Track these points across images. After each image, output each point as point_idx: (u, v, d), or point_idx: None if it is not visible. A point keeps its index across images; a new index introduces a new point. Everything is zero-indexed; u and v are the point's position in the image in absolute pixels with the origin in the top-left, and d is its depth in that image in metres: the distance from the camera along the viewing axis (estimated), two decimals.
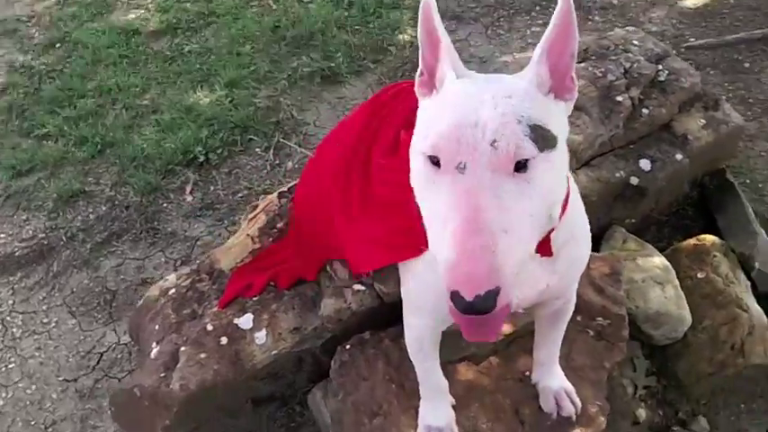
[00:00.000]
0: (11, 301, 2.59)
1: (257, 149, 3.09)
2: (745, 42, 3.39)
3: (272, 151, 3.06)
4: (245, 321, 2.04)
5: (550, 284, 1.40)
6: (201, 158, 3.00)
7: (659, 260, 2.31)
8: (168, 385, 1.96)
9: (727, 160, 2.68)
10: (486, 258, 0.95)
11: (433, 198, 1.05)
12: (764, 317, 2.29)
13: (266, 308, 2.06)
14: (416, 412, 1.83)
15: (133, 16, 3.86)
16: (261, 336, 2.01)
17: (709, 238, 2.43)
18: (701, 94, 2.58)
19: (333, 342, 2.05)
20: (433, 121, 1.07)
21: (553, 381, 1.84)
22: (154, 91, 3.36)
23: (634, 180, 2.36)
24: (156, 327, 2.12)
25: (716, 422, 2.21)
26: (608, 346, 2.02)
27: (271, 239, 2.19)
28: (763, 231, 2.45)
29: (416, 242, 1.32)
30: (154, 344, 2.09)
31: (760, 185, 2.75)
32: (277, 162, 3.02)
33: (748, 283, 2.38)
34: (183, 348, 2.02)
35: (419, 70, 1.17)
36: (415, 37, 3.49)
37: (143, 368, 2.07)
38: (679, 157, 2.44)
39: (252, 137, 3.12)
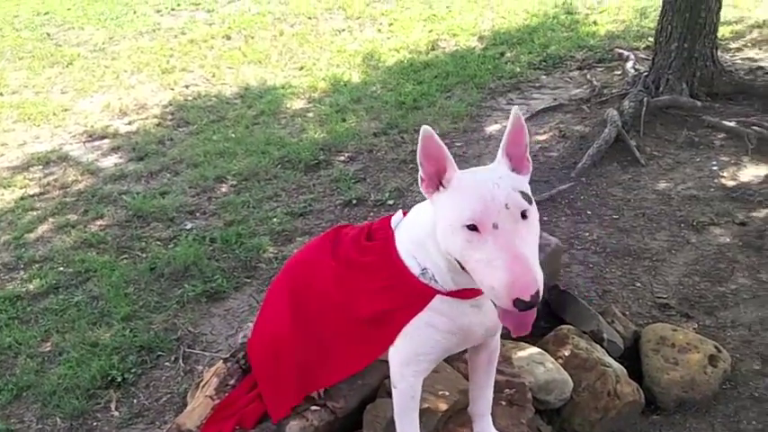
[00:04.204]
0: None
1: (167, 363, 3.44)
2: (538, 203, 4.39)
3: (180, 361, 3.43)
4: None
5: None
6: (119, 379, 3.31)
7: (533, 348, 2.91)
8: None
9: (556, 278, 3.47)
10: (531, 272, 1.55)
11: (478, 252, 1.60)
12: (624, 369, 2.95)
13: None
14: None
15: (11, 286, 4.13)
16: None
17: (565, 327, 3.10)
18: None
19: None
20: (462, 206, 1.64)
21: (491, 431, 2.33)
22: (54, 339, 3.63)
23: None
24: None
25: None
26: (519, 408, 2.54)
27: (227, 395, 2.58)
28: (600, 316, 3.19)
29: (414, 299, 1.92)
30: None
31: (585, 294, 3.56)
32: (188, 369, 3.38)
33: (603, 351, 3.03)
34: None
35: (420, 177, 1.77)
36: (278, 253, 4.22)
37: None
38: None
39: (159, 353, 3.48)
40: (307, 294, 2.32)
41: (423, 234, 1.89)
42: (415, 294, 1.94)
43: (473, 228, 1.61)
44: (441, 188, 1.76)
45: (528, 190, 1.72)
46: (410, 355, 2.03)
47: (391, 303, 1.99)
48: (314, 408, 2.47)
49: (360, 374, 2.52)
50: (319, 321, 2.29)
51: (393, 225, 2.11)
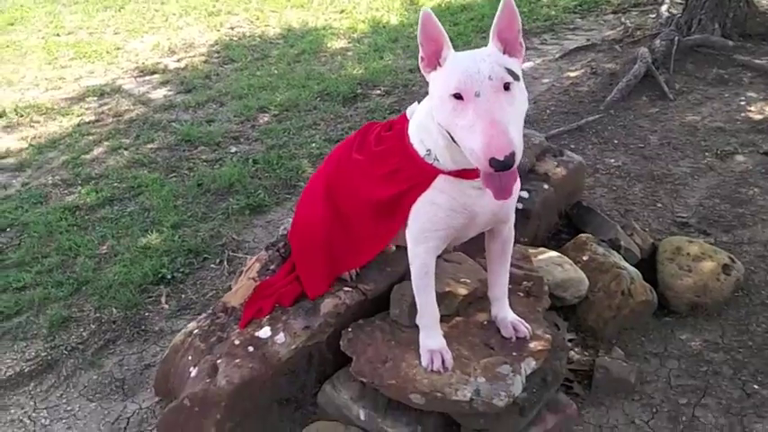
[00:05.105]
0: (32, 403, 2.92)
1: (212, 266, 3.71)
2: (567, 132, 4.61)
3: (225, 263, 3.71)
4: (264, 333, 2.61)
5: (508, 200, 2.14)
6: (169, 277, 3.59)
7: (553, 253, 3.11)
8: (215, 385, 2.47)
9: (579, 195, 3.65)
10: (505, 135, 1.71)
11: (461, 119, 1.77)
12: (639, 273, 3.12)
13: (278, 320, 2.65)
14: (414, 350, 2.45)
15: (70, 199, 4.44)
16: (280, 337, 2.59)
17: (584, 235, 3.27)
18: (548, 147, 3.62)
19: (334, 337, 2.66)
20: (450, 77, 1.83)
21: (508, 313, 2.53)
22: (110, 242, 3.93)
23: (519, 205, 3.16)
24: (190, 357, 2.64)
25: (627, 351, 2.93)
26: (536, 299, 2.75)
27: (267, 278, 2.84)
28: (618, 226, 3.36)
29: (420, 179, 2.13)
30: (191, 368, 2.59)
31: (607, 212, 3.71)
32: (232, 270, 3.65)
33: (620, 257, 3.19)
34: (219, 360, 2.54)
35: (421, 57, 1.95)
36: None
37: (186, 386, 2.56)
38: (546, 186, 3.34)
39: (205, 256, 3.76)
40: (337, 185, 2.56)
41: (426, 116, 2.08)
42: (420, 174, 2.15)
43: (459, 97, 1.79)
44: (438, 67, 1.94)
45: (517, 70, 1.88)
46: (419, 233, 2.25)
47: (401, 185, 2.21)
48: (346, 288, 2.72)
49: (388, 262, 2.78)
50: (346, 210, 2.54)
51: (408, 115, 2.31)
